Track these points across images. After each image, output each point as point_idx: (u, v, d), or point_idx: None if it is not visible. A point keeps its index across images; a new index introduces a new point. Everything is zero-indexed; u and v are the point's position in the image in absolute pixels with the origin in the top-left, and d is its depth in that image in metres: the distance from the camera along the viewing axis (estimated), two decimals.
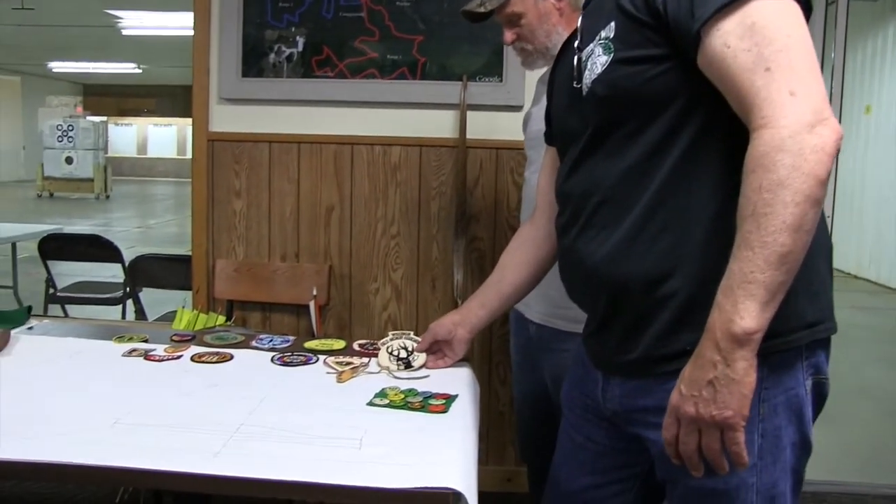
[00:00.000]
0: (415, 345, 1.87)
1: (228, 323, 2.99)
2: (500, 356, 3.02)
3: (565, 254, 1.41)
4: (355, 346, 2.03)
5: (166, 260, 3.78)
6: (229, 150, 3.01)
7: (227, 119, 3.02)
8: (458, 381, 1.75)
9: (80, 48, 14.38)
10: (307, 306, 2.90)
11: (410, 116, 2.96)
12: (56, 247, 4.27)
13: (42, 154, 17.48)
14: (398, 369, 1.81)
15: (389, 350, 1.86)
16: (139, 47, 12.84)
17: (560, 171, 1.44)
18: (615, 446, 1.45)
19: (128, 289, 4.03)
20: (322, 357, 1.90)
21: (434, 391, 1.66)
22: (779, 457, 1.20)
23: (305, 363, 1.86)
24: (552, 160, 1.63)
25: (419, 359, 1.84)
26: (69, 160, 17.18)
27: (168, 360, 1.86)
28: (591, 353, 1.43)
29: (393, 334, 1.91)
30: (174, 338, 2.06)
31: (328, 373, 1.79)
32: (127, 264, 3.89)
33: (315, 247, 3.02)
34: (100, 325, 2.40)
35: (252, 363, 1.87)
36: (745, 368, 1.06)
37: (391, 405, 1.58)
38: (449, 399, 1.62)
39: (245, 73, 2.98)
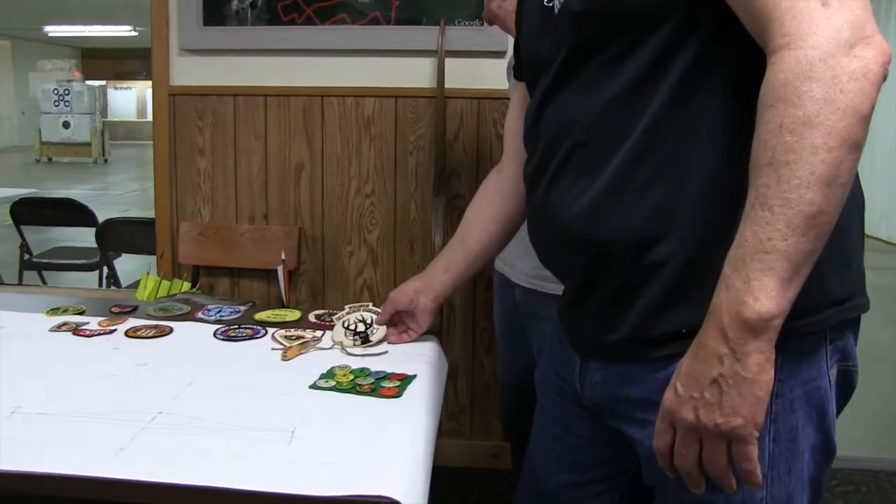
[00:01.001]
0: (374, 317, 1.67)
1: (194, 290, 2.80)
2: (485, 323, 2.82)
3: (535, 208, 1.17)
4: (311, 317, 1.83)
5: (136, 223, 3.58)
6: (192, 105, 2.80)
7: (189, 72, 2.80)
8: (421, 359, 1.55)
9: (75, 11, 14.09)
10: (276, 271, 2.70)
11: (384, 65, 2.73)
12: (28, 212, 4.07)
13: (39, 119, 17.24)
14: (353, 345, 1.61)
15: (346, 324, 1.66)
16: (134, 10, 12.56)
17: (528, 109, 1.21)
18: (598, 439, 1.25)
19: (105, 254, 3.83)
20: (271, 330, 1.70)
21: (390, 371, 1.46)
22: (795, 465, 0.99)
23: (251, 337, 1.66)
24: (522, 98, 1.41)
25: (378, 332, 1.64)
26: (66, 125, 16.94)
27: (99, 335, 1.66)
28: (568, 330, 1.22)
29: (350, 307, 1.71)
30: (113, 309, 1.86)
31: (274, 349, 1.59)
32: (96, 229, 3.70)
33: (284, 208, 2.82)
34: (60, 293, 2.21)
35: (192, 338, 1.67)
36: (759, 364, 0.85)
37: (337, 388, 1.39)
38: (405, 380, 1.43)
39: (206, 22, 2.75)
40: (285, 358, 1.53)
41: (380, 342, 1.63)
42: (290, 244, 2.77)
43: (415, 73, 2.72)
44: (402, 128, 2.75)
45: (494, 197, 1.51)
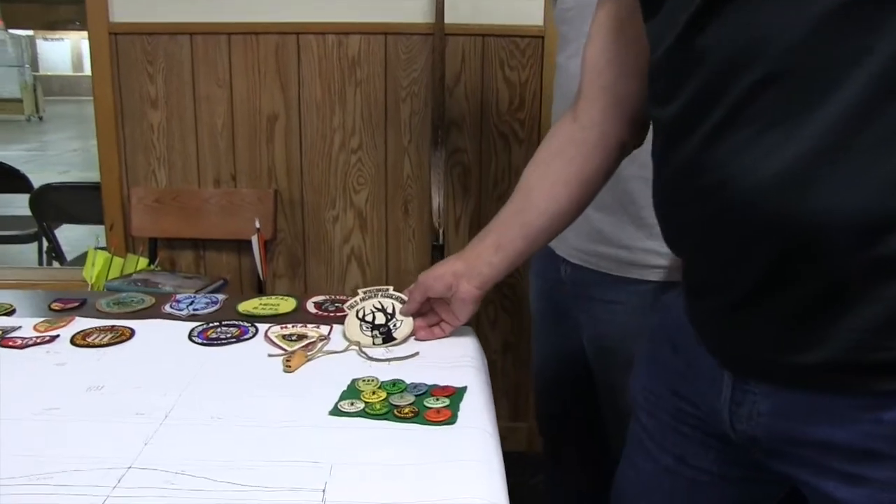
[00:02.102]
0: (397, 305, 1.30)
1: (152, 266, 2.39)
2: (491, 293, 2.46)
3: (682, 171, 0.80)
4: (310, 305, 1.45)
5: (78, 189, 3.14)
6: (139, 47, 2.37)
7: (134, 6, 2.35)
8: (464, 362, 1.20)
9: None
10: (249, 242, 2.30)
11: None
12: None
13: None
14: (374, 344, 1.24)
15: (360, 315, 1.28)
16: None
17: (658, 27, 0.83)
18: (732, 477, 0.93)
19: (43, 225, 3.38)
20: (263, 328, 1.32)
21: (430, 383, 1.10)
22: None
23: (239, 339, 1.28)
24: (615, 14, 1.02)
25: (403, 326, 1.28)
26: None
27: (36, 344, 1.27)
28: (716, 340, 0.86)
29: (365, 292, 1.34)
30: (54, 305, 1.46)
31: (271, 355, 1.21)
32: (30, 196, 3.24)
33: (256, 167, 2.42)
34: None
35: (161, 342, 1.29)
36: None
37: (367, 412, 1.02)
38: (454, 395, 1.07)
39: None
40: (289, 369, 1.16)
41: (406, 339, 1.27)
42: (264, 210, 2.37)
43: (408, 6, 2.31)
44: (393, 70, 2.36)
45: (569, 153, 1.13)
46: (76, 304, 1.47)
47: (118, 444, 0.94)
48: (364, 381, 1.12)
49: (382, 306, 1.31)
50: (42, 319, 1.37)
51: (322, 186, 2.44)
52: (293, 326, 1.33)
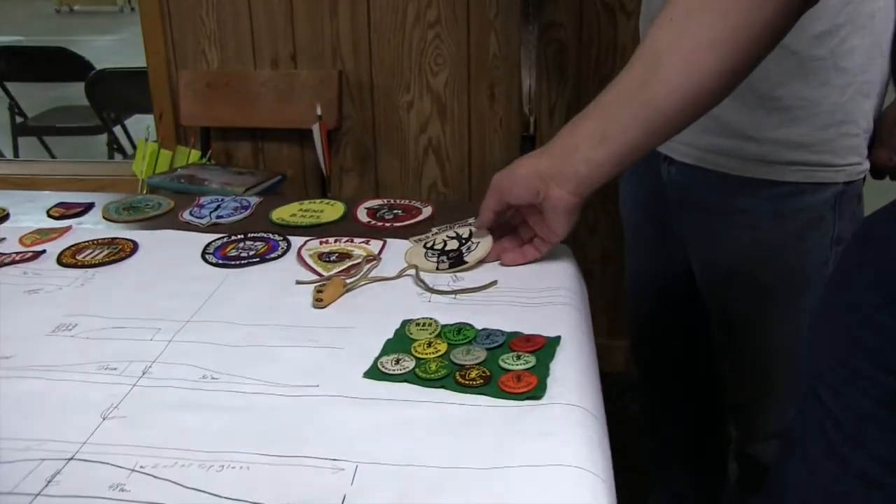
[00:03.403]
0: (473, 231, 0.99)
1: (204, 160, 2.13)
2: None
3: None
4: (361, 213, 1.14)
5: (135, 75, 2.86)
6: None
7: None
8: (558, 297, 0.89)
9: None
10: (310, 131, 2.00)
11: None
12: (12, 65, 3.37)
13: None
14: (437, 270, 0.93)
15: (429, 244, 0.98)
16: None
17: None
18: None
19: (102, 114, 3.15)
20: (297, 243, 1.02)
21: (508, 327, 0.78)
22: None
23: (263, 258, 0.99)
24: None
25: (478, 248, 0.96)
26: None
27: (13, 262, 1.01)
28: None
29: (438, 229, 1.03)
30: (54, 211, 1.19)
31: (300, 282, 0.91)
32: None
33: (318, 46, 2.10)
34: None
35: (166, 261, 1.01)
36: None
37: (418, 377, 0.72)
38: (542, 350, 0.75)
39: None
40: (319, 304, 0.85)
41: (479, 263, 0.95)
42: (327, 94, 2.05)
43: None
44: None
45: (721, 3, 0.76)
46: (79, 209, 1.20)
47: (67, 419, 0.67)
48: (418, 324, 0.81)
49: (458, 234, 1.00)
50: (31, 230, 1.10)
51: (394, 67, 2.10)
52: (335, 241, 1.03)
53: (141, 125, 3.58)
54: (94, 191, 2.29)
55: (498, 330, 0.80)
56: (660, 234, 1.24)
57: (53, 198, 1.25)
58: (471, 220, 1.04)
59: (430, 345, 0.77)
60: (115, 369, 0.75)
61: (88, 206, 1.21)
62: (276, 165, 2.19)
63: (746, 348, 1.15)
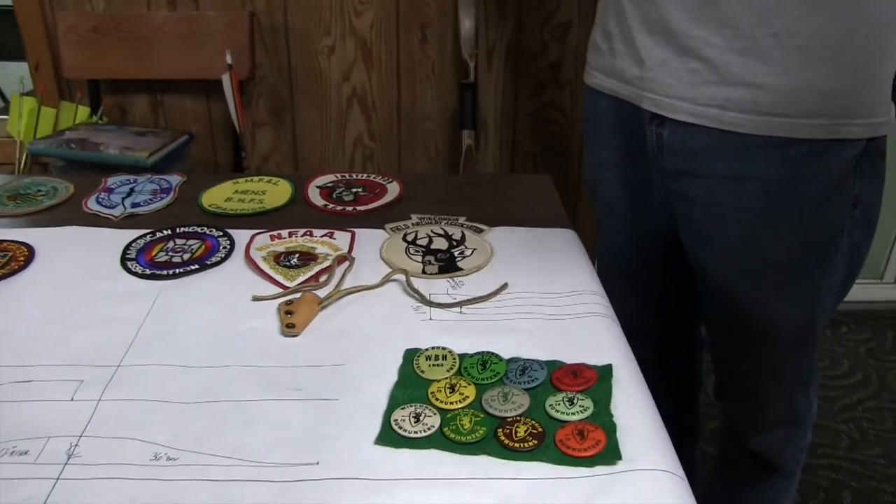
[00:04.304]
0: (470, 233, 0.81)
1: (95, 118, 1.84)
2: (528, 143, 1.94)
3: None
4: (313, 194, 0.94)
5: None
6: None
7: None
8: (583, 300, 0.72)
9: None
10: (219, 83, 1.75)
11: None
12: None
13: None
14: (424, 273, 0.75)
15: (409, 239, 0.79)
16: None
17: None
18: None
19: None
20: (240, 239, 0.81)
21: (541, 353, 0.62)
22: None
23: (203, 262, 0.78)
24: None
25: (475, 255, 0.79)
26: None
27: None
28: None
29: (421, 217, 0.85)
30: None
31: (257, 299, 0.71)
32: None
33: None
34: None
35: (74, 274, 0.79)
36: None
37: (449, 442, 0.54)
38: (597, 388, 0.60)
39: None
40: (291, 331, 0.66)
41: (476, 271, 0.76)
42: (237, 39, 1.79)
43: None
44: None
45: None
46: None
47: None
48: (429, 357, 0.63)
49: (446, 233, 0.81)
50: None
51: (312, 7, 1.85)
52: (290, 236, 0.82)
53: (5, 73, 3.19)
54: None
55: (533, 360, 0.62)
56: (637, 205, 1.08)
57: None
58: (462, 220, 0.85)
59: (452, 389, 0.59)
60: (25, 453, 0.54)
61: None
62: (178, 122, 1.92)
63: (751, 329, 1.00)
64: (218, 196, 0.93)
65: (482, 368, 0.61)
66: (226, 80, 1.74)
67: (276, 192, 0.93)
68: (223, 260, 0.78)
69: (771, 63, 0.82)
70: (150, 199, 0.93)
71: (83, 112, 1.83)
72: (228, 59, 1.73)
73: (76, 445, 0.54)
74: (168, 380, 0.61)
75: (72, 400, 0.59)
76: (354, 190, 0.93)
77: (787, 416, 1.07)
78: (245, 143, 1.86)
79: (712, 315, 1.05)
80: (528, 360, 0.62)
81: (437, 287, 0.73)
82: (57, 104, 1.83)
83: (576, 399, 0.58)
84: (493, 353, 0.63)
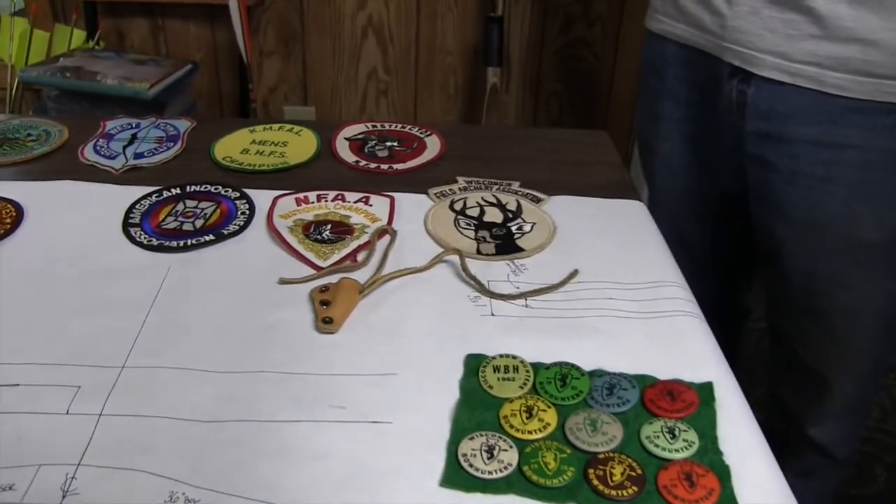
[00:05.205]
0: (526, 203, 0.70)
1: (91, 43, 1.70)
2: (552, 83, 1.81)
3: None
4: (342, 148, 0.82)
5: None
6: None
7: None
8: (666, 294, 0.62)
9: None
10: (227, 7, 1.61)
11: None
12: None
13: None
14: (479, 252, 0.64)
15: (457, 208, 0.68)
16: None
17: None
18: None
19: None
20: (260, 202, 0.70)
21: (625, 363, 0.53)
22: None
23: (219, 230, 0.67)
24: None
25: (536, 230, 0.69)
26: None
27: None
28: None
29: (468, 181, 0.74)
30: None
31: (284, 281, 0.60)
32: None
33: None
34: None
35: (69, 241, 0.67)
36: None
37: (532, 486, 0.44)
38: (700, 415, 0.50)
39: None
40: (329, 327, 0.55)
41: (539, 250, 0.65)
42: None
43: None
44: None
45: None
46: None
47: None
48: (497, 367, 0.52)
49: (499, 201, 0.69)
50: None
51: None
52: (320, 200, 0.71)
53: None
54: None
55: (620, 375, 0.52)
56: (698, 166, 0.97)
57: None
58: (515, 185, 0.74)
59: (530, 412, 0.49)
60: (10, 488, 0.44)
61: None
62: (180, 49, 1.79)
63: (828, 311, 0.90)
64: (233, 147, 0.81)
65: (561, 385, 0.51)
66: (233, 4, 1.61)
67: (300, 143, 0.82)
68: (242, 228, 0.67)
69: (889, 15, 0.70)
70: (155, 149, 0.82)
71: (78, 36, 1.69)
72: None
73: (73, 478, 0.44)
74: (182, 389, 0.50)
75: (67, 413, 0.48)
76: (389, 143, 0.82)
77: (854, 404, 0.98)
78: (252, 75, 1.73)
79: (782, 291, 0.94)
80: (614, 374, 0.52)
81: (496, 271, 0.62)
82: (50, 27, 1.69)
83: (677, 429, 0.48)
84: (572, 366, 0.52)
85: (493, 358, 0.53)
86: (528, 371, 0.52)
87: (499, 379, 0.51)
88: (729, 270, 1.10)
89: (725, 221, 1.01)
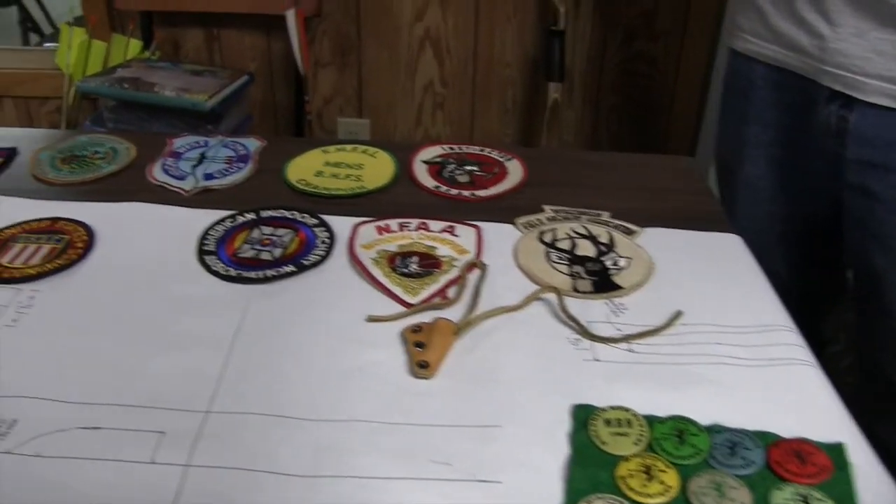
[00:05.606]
0: (618, 236, 0.66)
1: (147, 53, 1.69)
2: (612, 97, 1.77)
3: None
4: (420, 171, 0.79)
5: None
6: None
7: None
8: (779, 340, 0.58)
9: None
10: (282, 18, 1.59)
11: None
12: None
13: None
14: (576, 290, 0.60)
15: (547, 240, 0.64)
16: None
17: None
18: None
19: None
20: (339, 229, 0.67)
21: (742, 417, 0.48)
22: None
23: (298, 261, 0.64)
24: None
25: (633, 267, 0.64)
26: None
27: None
28: None
29: (556, 210, 0.70)
30: None
31: (373, 319, 0.57)
32: None
33: None
34: None
35: (143, 268, 0.64)
36: None
37: None
38: (834, 482, 0.46)
39: None
40: (424, 372, 0.51)
41: (636, 287, 0.61)
42: None
43: None
44: None
45: None
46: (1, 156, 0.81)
47: None
48: (608, 421, 0.49)
49: (590, 233, 0.66)
50: None
51: None
52: (402, 229, 0.68)
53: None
54: (11, 88, 1.85)
55: (741, 432, 0.48)
56: (786, 192, 0.92)
57: None
58: (605, 216, 0.70)
59: (648, 473, 0.45)
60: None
61: (9, 154, 0.83)
62: (234, 59, 1.77)
63: None
64: (306, 168, 0.78)
65: (679, 442, 0.47)
66: (290, 16, 1.58)
67: (375, 166, 0.79)
68: (323, 259, 0.64)
69: None
70: (226, 170, 0.79)
71: (135, 46, 1.68)
72: None
73: None
74: (273, 439, 0.47)
75: (152, 462, 0.45)
76: (468, 168, 0.78)
77: None
78: (307, 87, 1.71)
79: (880, 325, 0.89)
80: (734, 431, 0.48)
81: (594, 311, 0.59)
82: (107, 36, 1.68)
83: (811, 497, 0.43)
84: (688, 420, 0.49)
85: (604, 410, 0.49)
86: (641, 425, 0.48)
87: (611, 433, 0.47)
88: (810, 298, 1.05)
89: (810, 248, 0.97)
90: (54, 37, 2.57)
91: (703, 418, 0.49)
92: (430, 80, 1.79)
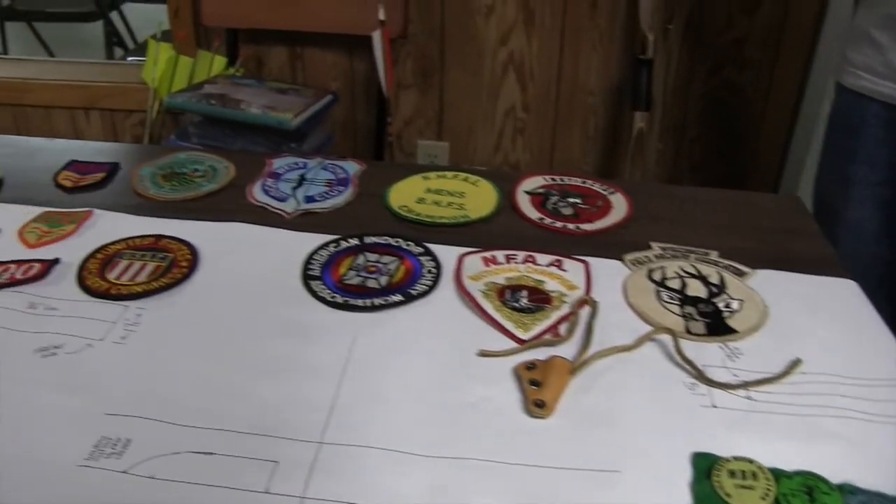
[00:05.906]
0: (729, 277, 0.64)
1: (232, 70, 1.72)
2: (697, 127, 1.74)
3: None
4: (523, 202, 0.78)
5: None
6: None
7: None
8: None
9: None
10: (368, 38, 1.59)
11: None
12: None
13: None
14: (689, 332, 0.58)
15: (657, 278, 0.62)
16: None
17: None
18: None
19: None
20: (445, 259, 0.66)
21: (872, 477, 0.46)
22: None
23: (406, 290, 0.63)
24: None
25: (746, 310, 0.62)
26: None
27: (18, 281, 0.65)
28: None
29: (664, 248, 0.68)
30: (64, 177, 0.83)
31: (486, 354, 0.56)
32: None
33: None
34: None
35: (248, 291, 0.64)
36: None
37: None
38: None
39: None
40: (540, 411, 0.50)
41: (751, 331, 0.59)
42: None
43: None
44: None
45: None
46: (99, 173, 0.83)
47: None
48: (733, 473, 0.47)
49: (699, 272, 0.64)
50: (35, 215, 0.74)
51: None
52: (509, 261, 0.67)
53: (139, 15, 3.09)
54: (98, 101, 1.90)
55: (876, 494, 0.46)
56: (894, 234, 0.89)
57: (61, 151, 0.88)
58: (714, 255, 0.68)
59: None
60: None
61: (112, 169, 0.84)
62: (316, 77, 1.79)
63: None
64: (408, 195, 0.78)
65: (809, 500, 0.45)
66: (376, 37, 1.59)
67: (478, 195, 0.78)
68: (430, 289, 0.63)
69: None
70: (327, 193, 0.79)
71: (219, 62, 1.71)
72: (381, 15, 1.57)
73: None
74: (389, 473, 0.46)
75: (267, 492, 0.45)
76: (572, 200, 0.77)
77: None
78: (391, 108, 1.71)
79: None
80: (869, 493, 0.46)
81: (709, 355, 0.57)
82: (192, 51, 1.71)
83: None
84: (818, 477, 0.46)
85: (727, 460, 0.47)
86: (768, 479, 0.46)
87: (736, 486, 0.46)
88: None
89: None
90: (137, 51, 2.64)
91: (832, 476, 0.47)
92: (512, 104, 1.79)
